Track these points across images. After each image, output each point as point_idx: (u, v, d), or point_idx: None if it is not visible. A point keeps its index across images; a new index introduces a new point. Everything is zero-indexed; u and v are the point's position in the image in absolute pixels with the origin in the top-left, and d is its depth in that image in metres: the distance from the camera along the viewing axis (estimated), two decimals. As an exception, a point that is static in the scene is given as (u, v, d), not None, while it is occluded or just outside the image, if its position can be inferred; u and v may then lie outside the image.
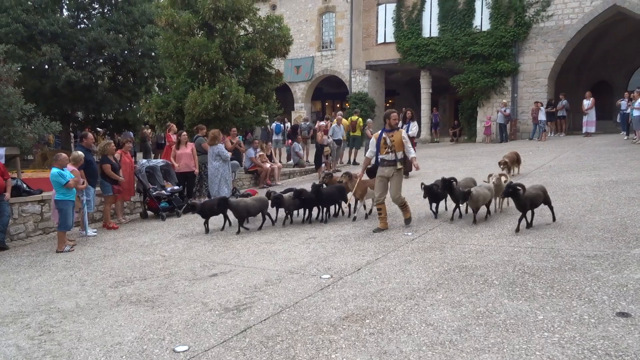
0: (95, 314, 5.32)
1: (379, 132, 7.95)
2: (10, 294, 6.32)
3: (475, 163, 14.46)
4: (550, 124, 20.79)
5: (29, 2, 20.80)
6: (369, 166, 8.35)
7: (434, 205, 8.43)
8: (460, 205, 7.98)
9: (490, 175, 8.27)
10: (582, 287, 4.77)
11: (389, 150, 7.69)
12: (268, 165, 14.64)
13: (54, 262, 7.85)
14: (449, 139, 25.07)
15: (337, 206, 9.45)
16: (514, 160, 11.69)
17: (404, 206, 8.01)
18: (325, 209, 9.07)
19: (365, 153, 9.14)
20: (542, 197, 7.24)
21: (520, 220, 7.01)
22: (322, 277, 5.82)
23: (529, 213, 7.11)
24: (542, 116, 20.04)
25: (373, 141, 8.01)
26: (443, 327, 4.19)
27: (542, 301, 4.54)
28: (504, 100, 21.52)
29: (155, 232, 9.38)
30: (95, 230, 9.82)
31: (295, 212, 9.26)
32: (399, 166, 7.72)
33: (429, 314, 4.48)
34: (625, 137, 17.18)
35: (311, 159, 17.07)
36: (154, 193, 10.85)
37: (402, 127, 12.27)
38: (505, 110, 20.92)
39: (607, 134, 19.87)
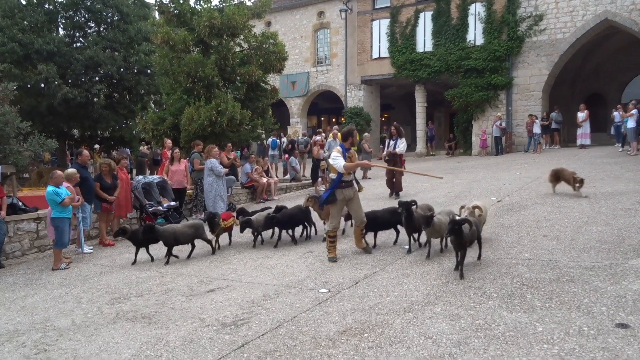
0: (91, 331, 5.27)
1: (340, 149, 7.12)
2: (5, 313, 6.26)
3: (471, 176, 14.50)
4: (545, 137, 20.92)
5: (25, 22, 20.89)
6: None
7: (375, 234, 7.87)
8: (416, 234, 7.36)
9: (462, 207, 7.07)
10: (580, 299, 4.76)
11: (350, 171, 7.11)
12: (265, 180, 14.64)
13: (49, 279, 7.79)
14: (444, 152, 25.15)
15: (304, 228, 8.90)
16: (568, 177, 9.96)
17: (364, 231, 7.45)
18: (291, 231, 8.67)
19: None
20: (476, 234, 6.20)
21: (460, 260, 5.90)
22: (320, 291, 5.79)
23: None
24: (537, 129, 20.18)
25: (338, 155, 6.99)
26: (442, 340, 4.17)
27: (541, 313, 4.52)
28: (499, 114, 21.66)
29: (152, 248, 9.32)
30: (91, 247, 9.78)
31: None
32: (357, 187, 7.28)
33: (428, 327, 4.46)
34: (620, 149, 17.28)
35: (307, 173, 17.09)
36: (151, 209, 10.83)
37: (390, 143, 12.29)
38: (500, 124, 21.05)
39: (602, 146, 19.99)
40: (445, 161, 21.20)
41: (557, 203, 9.33)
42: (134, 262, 8.34)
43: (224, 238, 9.17)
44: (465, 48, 22.83)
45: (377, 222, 7.65)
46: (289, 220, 8.64)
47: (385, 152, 12.82)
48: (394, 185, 12.14)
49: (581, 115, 19.76)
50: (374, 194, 12.54)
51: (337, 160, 6.93)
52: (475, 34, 22.86)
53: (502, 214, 8.93)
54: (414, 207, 7.03)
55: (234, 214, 9.61)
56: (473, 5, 22.84)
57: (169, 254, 8.19)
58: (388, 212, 7.76)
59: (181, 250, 8.60)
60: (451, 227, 5.72)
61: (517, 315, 4.52)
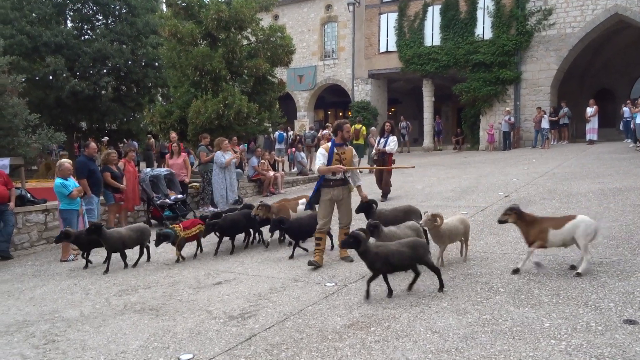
0: (99, 322, 5.31)
1: (329, 144, 6.75)
2: (14, 303, 6.32)
3: (478, 171, 14.45)
4: (553, 132, 20.80)
5: (33, 14, 20.96)
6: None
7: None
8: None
9: (425, 213, 6.19)
10: (588, 295, 4.75)
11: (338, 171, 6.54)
12: (271, 173, 14.66)
13: (58, 271, 7.85)
14: (451, 146, 25.08)
15: (247, 235, 8.38)
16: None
17: (321, 241, 6.75)
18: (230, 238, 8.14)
19: (315, 166, 7.17)
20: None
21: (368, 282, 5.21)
22: (327, 285, 5.80)
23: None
24: (545, 124, 20.06)
25: (324, 153, 6.60)
26: (449, 334, 4.17)
27: (548, 308, 4.51)
28: (507, 109, 21.55)
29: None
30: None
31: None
32: (351, 187, 6.72)
33: (435, 321, 4.46)
34: (632, 145, 17.14)
35: (315, 167, 17.08)
36: (158, 202, 10.87)
37: (380, 141, 11.52)
38: (509, 119, 20.94)
39: (610, 141, 19.85)
40: (452, 156, 21.13)
41: (566, 199, 9.28)
42: (86, 267, 7.89)
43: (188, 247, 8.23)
44: (473, 42, 22.70)
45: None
46: (231, 227, 8.05)
47: (374, 150, 12.27)
48: (383, 185, 11.33)
49: (590, 110, 19.62)
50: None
51: (316, 160, 6.71)
52: (483, 28, 22.71)
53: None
54: (374, 206, 7.00)
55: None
56: (482, -1, 22.69)
57: (109, 259, 7.60)
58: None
59: (186, 249, 8.62)
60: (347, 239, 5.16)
61: (524, 310, 4.51)
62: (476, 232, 7.61)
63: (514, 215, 5.71)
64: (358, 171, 6.95)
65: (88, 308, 5.86)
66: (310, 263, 6.48)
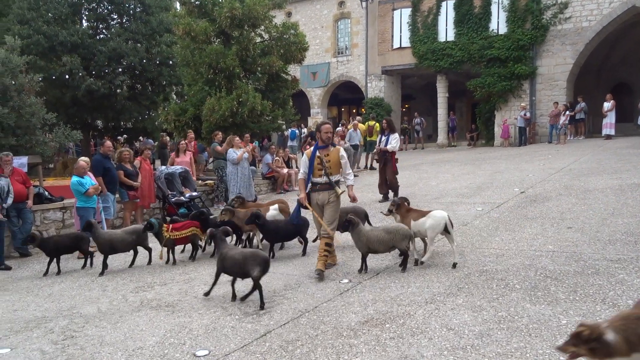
0: (116, 318, 5.37)
1: (312, 149, 6.43)
2: (34, 300, 6.41)
3: (493, 167, 14.34)
4: (569, 127, 20.55)
5: (50, 14, 21.16)
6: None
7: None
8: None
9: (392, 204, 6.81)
10: (605, 292, 4.70)
11: (323, 173, 6.22)
12: (285, 170, 14.68)
13: (75, 268, 7.95)
14: (466, 143, 24.90)
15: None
16: None
17: (330, 246, 6.38)
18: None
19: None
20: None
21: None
22: (341, 282, 5.81)
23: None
24: (562, 119, 19.78)
25: (305, 160, 6.37)
26: (464, 331, 4.15)
27: (565, 305, 4.47)
28: (523, 104, 21.33)
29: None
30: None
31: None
32: (339, 191, 6.29)
33: (450, 318, 4.44)
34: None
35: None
36: (173, 199, 10.94)
37: (381, 139, 10.95)
38: (525, 114, 20.73)
39: (628, 136, 19.56)
40: (466, 152, 20.99)
41: (582, 195, 9.18)
42: (46, 273, 7.65)
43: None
44: (488, 37, 22.48)
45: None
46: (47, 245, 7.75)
47: (375, 149, 11.88)
48: (388, 186, 10.74)
49: (607, 105, 19.35)
50: (368, 199, 10.93)
51: (300, 171, 6.54)
52: (498, 23, 22.48)
53: (526, 206, 8.82)
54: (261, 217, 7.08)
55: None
56: (496, -7, 22.46)
57: (104, 264, 7.46)
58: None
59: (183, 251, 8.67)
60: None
61: (540, 307, 4.48)
62: (491, 229, 7.57)
63: (395, 206, 6.61)
64: (349, 169, 6.48)
65: (105, 304, 5.93)
66: (317, 272, 6.05)
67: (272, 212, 8.16)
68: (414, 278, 5.65)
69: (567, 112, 19.83)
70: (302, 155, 6.45)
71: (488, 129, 23.50)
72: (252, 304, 5.37)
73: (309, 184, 6.34)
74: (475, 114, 24.83)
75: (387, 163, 10.76)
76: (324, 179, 6.24)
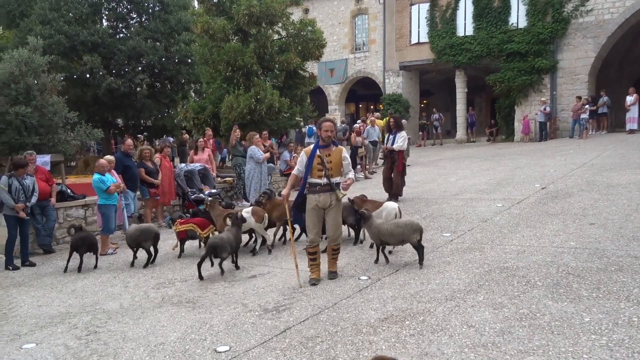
0: (138, 314, 5.45)
1: (311, 147, 5.92)
2: (57, 296, 6.53)
3: (514, 163, 14.18)
4: (591, 122, 20.21)
5: (70, 14, 21.47)
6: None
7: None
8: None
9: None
10: (630, 289, 4.62)
11: (324, 174, 5.73)
12: (303, 167, 14.69)
13: (98, 264, 8.06)
14: (485, 138, 24.66)
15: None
16: None
17: (337, 251, 6.04)
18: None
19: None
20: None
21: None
22: (361, 279, 5.80)
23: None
24: (584, 113, 19.47)
25: (303, 158, 5.87)
26: (485, 328, 4.12)
27: (588, 303, 4.41)
28: (543, 99, 21.04)
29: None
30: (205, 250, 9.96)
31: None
32: (340, 194, 5.83)
33: (470, 315, 4.41)
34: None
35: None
36: (193, 196, 11.04)
37: (388, 138, 10.41)
38: (545, 109, 20.45)
39: (652, 130, 19.18)
40: (486, 147, 20.79)
41: (605, 190, 9.03)
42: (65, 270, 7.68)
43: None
44: (507, 31, 22.20)
45: None
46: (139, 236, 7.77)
47: (382, 148, 11.48)
48: (392, 187, 10.33)
49: (630, 99, 18.99)
50: (381, 198, 10.59)
51: (295, 168, 6.07)
52: (518, 17, 22.17)
53: (547, 202, 8.71)
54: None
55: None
56: (516, -14, 22.17)
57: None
58: None
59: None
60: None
61: (563, 304, 4.43)
62: (512, 225, 7.49)
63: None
64: (350, 171, 6.02)
65: (127, 300, 6.01)
66: (311, 281, 5.83)
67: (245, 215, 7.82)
68: (433, 275, 5.62)
69: (588, 107, 19.51)
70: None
71: (508, 124, 23.25)
72: (271, 300, 5.40)
73: (306, 185, 5.89)
74: (495, 109, 24.57)
75: (393, 163, 10.28)
76: (324, 181, 5.73)
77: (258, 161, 11.63)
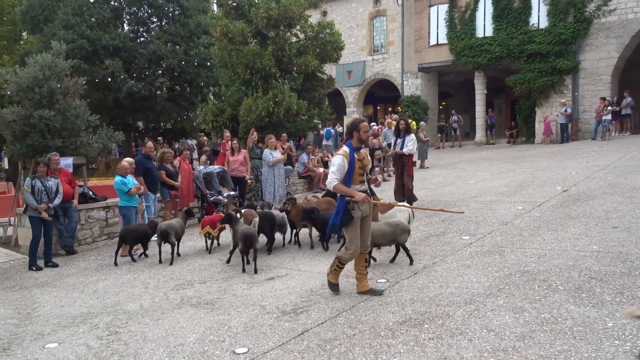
0: (158, 315, 5.50)
1: (347, 150, 5.28)
2: (79, 296, 6.63)
3: (534, 165, 14.00)
4: (614, 123, 19.86)
5: (93, 19, 21.80)
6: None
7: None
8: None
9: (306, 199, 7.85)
10: (654, 293, 4.53)
11: (364, 178, 5.40)
12: (321, 170, 14.71)
13: (119, 265, 8.17)
14: (505, 140, 24.39)
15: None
16: None
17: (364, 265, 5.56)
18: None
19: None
20: None
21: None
22: (379, 282, 5.78)
23: None
24: (607, 115, 19.15)
25: (342, 163, 5.18)
26: (505, 333, 4.07)
27: (611, 307, 4.33)
28: (562, 100, 20.75)
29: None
30: (156, 235, 10.14)
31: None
32: (377, 200, 5.65)
33: (490, 319, 4.37)
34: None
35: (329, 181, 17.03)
36: (211, 199, 11.11)
37: (397, 142, 10.06)
38: (565, 110, 20.16)
39: (678, 132, 18.80)
40: (506, 150, 20.56)
41: (628, 193, 8.87)
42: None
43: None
44: (528, 32, 21.95)
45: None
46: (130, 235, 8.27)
47: (390, 152, 11.24)
48: (405, 194, 9.91)
49: (655, 100, 18.62)
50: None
51: (331, 171, 5.26)
52: (539, 17, 21.92)
53: (568, 205, 8.58)
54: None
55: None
56: (537, -14, 21.91)
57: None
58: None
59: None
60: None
61: (585, 309, 4.35)
62: (533, 228, 7.40)
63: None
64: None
65: (147, 301, 6.08)
66: (332, 287, 5.57)
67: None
68: (452, 278, 5.58)
69: (610, 108, 19.18)
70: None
71: (528, 126, 22.96)
72: (289, 302, 5.41)
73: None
74: (515, 110, 24.30)
75: (404, 167, 9.90)
76: (364, 186, 5.39)
77: (268, 164, 11.70)
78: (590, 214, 7.78)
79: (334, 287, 5.55)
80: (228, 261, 7.51)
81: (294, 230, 8.32)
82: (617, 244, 6.16)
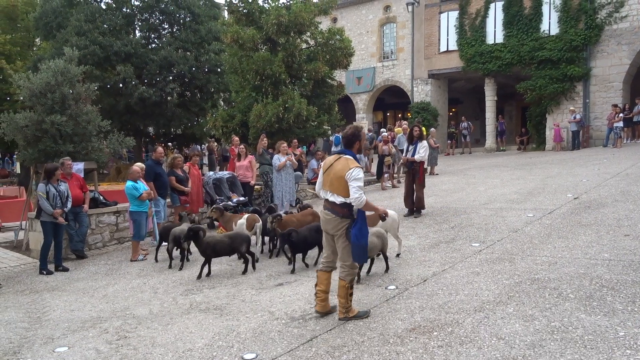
0: (167, 320, 5.52)
1: (352, 159, 4.90)
2: (89, 300, 6.67)
3: (545, 172, 13.91)
4: (626, 130, 19.71)
5: (105, 25, 22.04)
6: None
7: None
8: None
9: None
10: (667, 303, 4.47)
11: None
12: (331, 176, 14.70)
13: (128, 270, 8.21)
14: (515, 147, 24.28)
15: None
16: None
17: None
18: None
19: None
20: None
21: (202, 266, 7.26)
22: (388, 288, 5.76)
23: None
24: (619, 122, 19.00)
25: (362, 175, 4.77)
26: (515, 341, 4.04)
27: (622, 317, 4.28)
28: (571, 107, 20.64)
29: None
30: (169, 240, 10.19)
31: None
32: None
33: (500, 327, 4.33)
34: None
35: (374, 169, 17.03)
36: (221, 204, 11.15)
37: (409, 149, 9.95)
38: (575, 117, 20.03)
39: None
40: (516, 156, 20.46)
41: (641, 201, 8.78)
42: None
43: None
44: (539, 38, 21.88)
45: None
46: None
47: (402, 159, 11.14)
48: (415, 201, 9.83)
49: (667, 107, 18.46)
50: (392, 209, 10.42)
51: (357, 186, 4.70)
52: (549, 24, 21.85)
53: (580, 212, 8.51)
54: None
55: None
56: (547, -7, 21.87)
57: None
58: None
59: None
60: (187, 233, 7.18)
61: (596, 318, 4.31)
62: (543, 235, 7.34)
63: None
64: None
65: (157, 306, 6.10)
66: (361, 314, 5.00)
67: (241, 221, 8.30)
68: (462, 285, 5.54)
69: (621, 115, 19.04)
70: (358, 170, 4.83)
71: (539, 133, 22.85)
72: (298, 309, 5.41)
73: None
74: (526, 117, 24.19)
75: (415, 175, 9.77)
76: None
77: (275, 168, 11.74)
78: (601, 222, 7.71)
79: (363, 314, 4.95)
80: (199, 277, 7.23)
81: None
82: (628, 252, 6.10)
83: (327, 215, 4.90)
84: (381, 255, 6.47)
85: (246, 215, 8.41)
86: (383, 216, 5.24)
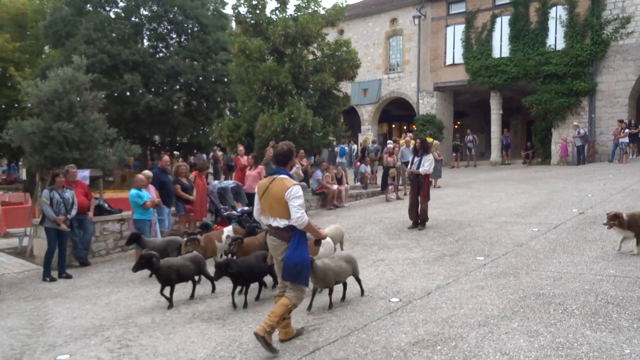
0: (169, 329, 5.50)
1: (284, 175, 4.80)
2: (92, 308, 6.65)
3: (550, 186, 13.86)
4: (632, 146, 19.64)
5: (113, 34, 22.24)
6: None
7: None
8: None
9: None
10: (674, 320, 4.43)
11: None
12: (335, 186, 14.70)
13: (132, 278, 8.20)
14: (520, 161, 24.22)
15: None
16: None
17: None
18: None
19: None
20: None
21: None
22: (391, 301, 5.73)
23: None
24: (625, 137, 18.94)
25: (299, 192, 4.61)
26: (519, 357, 4.01)
27: (628, 334, 4.25)
28: (575, 122, 20.60)
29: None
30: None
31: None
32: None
33: (504, 342, 4.30)
34: None
35: (379, 181, 17.02)
36: (225, 213, 11.15)
37: (413, 161, 9.93)
38: (579, 132, 19.98)
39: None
40: (521, 170, 20.40)
41: (647, 217, 8.71)
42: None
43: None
44: (544, 53, 21.92)
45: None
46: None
47: (407, 171, 11.08)
48: (419, 214, 9.86)
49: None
50: (397, 221, 10.69)
51: (301, 210, 4.50)
52: (555, 38, 21.90)
53: (585, 227, 8.47)
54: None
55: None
56: (554, 8, 21.90)
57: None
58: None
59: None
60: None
61: (601, 335, 4.27)
62: (548, 250, 7.30)
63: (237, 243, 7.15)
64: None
65: (159, 315, 6.08)
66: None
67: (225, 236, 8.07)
68: (466, 300, 5.51)
69: (627, 130, 18.99)
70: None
71: (544, 147, 22.80)
72: (301, 320, 5.38)
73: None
74: (531, 131, 24.16)
75: (420, 187, 9.80)
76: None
77: None
78: (607, 237, 7.66)
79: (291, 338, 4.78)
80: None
81: None
82: (634, 268, 6.06)
83: (274, 242, 4.71)
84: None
85: (230, 227, 8.42)
86: (317, 240, 5.04)
